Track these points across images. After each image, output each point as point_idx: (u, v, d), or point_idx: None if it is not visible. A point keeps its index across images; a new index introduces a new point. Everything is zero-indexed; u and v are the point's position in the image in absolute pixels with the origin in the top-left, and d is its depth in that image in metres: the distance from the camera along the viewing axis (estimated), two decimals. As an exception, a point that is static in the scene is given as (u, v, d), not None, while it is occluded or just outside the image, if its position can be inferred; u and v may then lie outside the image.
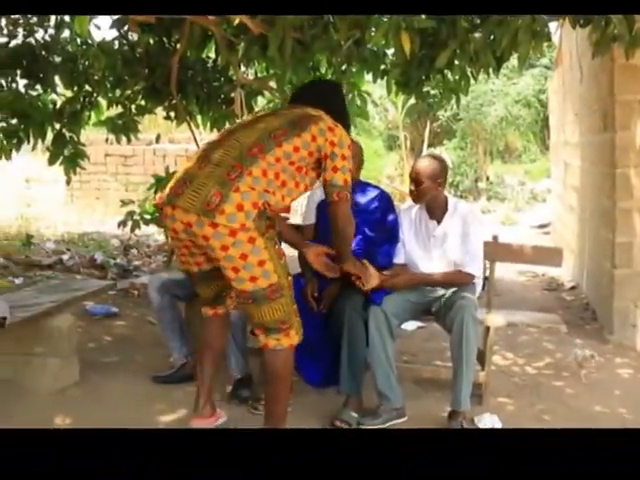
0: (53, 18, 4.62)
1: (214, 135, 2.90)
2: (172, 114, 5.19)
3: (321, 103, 2.91)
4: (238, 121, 2.93)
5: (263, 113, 2.95)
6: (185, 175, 2.63)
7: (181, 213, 2.56)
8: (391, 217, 3.58)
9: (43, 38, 4.71)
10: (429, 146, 15.82)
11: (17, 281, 6.02)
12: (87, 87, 5.01)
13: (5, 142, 5.02)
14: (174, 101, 4.95)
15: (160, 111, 5.33)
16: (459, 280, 3.39)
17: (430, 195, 3.40)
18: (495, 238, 3.74)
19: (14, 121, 4.97)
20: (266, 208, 2.56)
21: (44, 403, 3.39)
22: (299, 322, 2.80)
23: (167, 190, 2.65)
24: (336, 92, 3.18)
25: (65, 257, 7.14)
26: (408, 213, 3.56)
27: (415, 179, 3.39)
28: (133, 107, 5.21)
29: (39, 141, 5.09)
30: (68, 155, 5.21)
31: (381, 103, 15.89)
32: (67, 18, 4.59)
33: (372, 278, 3.24)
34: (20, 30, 4.63)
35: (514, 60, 4.80)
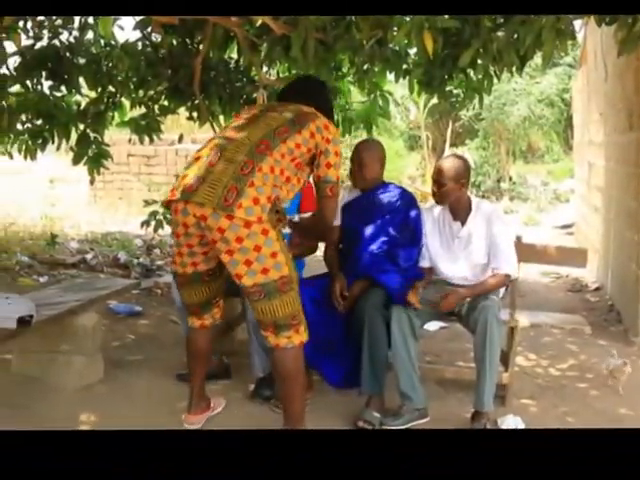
0: (77, 20, 4.66)
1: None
2: (195, 114, 5.21)
3: (310, 100, 3.00)
4: (235, 119, 2.97)
5: (259, 110, 2.98)
6: (198, 173, 2.67)
7: (195, 207, 2.62)
8: (415, 218, 3.56)
9: (68, 40, 4.75)
10: (451, 146, 15.76)
11: (42, 280, 6.10)
12: (111, 88, 5.06)
13: (30, 142, 5.08)
14: (197, 101, 4.98)
15: (183, 111, 5.36)
16: (501, 284, 3.37)
17: (453, 196, 3.37)
18: (519, 238, 3.71)
19: (39, 122, 5.03)
20: (276, 202, 2.66)
21: (69, 400, 3.43)
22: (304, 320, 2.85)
23: (180, 187, 2.69)
24: (323, 89, 3.27)
25: (89, 256, 7.21)
26: (431, 214, 3.53)
27: (438, 180, 3.37)
28: (156, 107, 5.25)
29: (63, 141, 5.14)
30: (92, 155, 5.27)
31: (402, 103, 15.85)
32: (91, 20, 4.63)
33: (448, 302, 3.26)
34: (45, 32, 4.67)
35: (537, 59, 4.77)
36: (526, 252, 3.72)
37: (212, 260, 2.82)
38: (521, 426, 3.22)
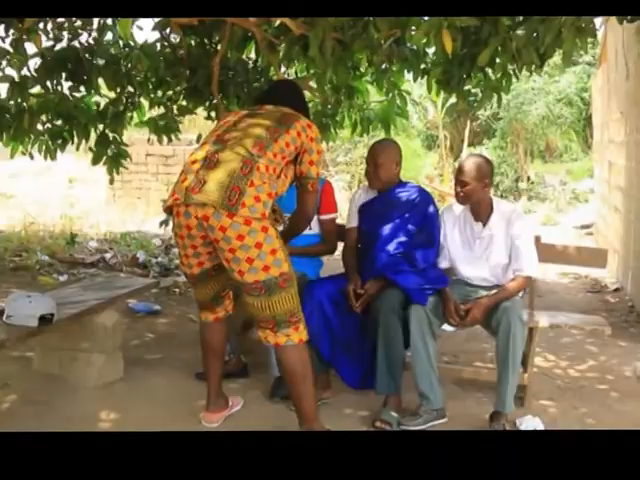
0: (96, 21, 4.69)
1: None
2: (213, 114, 5.24)
3: (287, 102, 3.11)
4: (224, 120, 3.06)
5: (247, 112, 3.08)
6: (197, 176, 2.74)
7: (197, 209, 2.70)
8: (432, 217, 3.55)
9: (87, 41, 4.79)
10: (469, 145, 15.69)
11: (62, 279, 6.16)
12: (130, 88, 5.09)
13: (50, 143, 5.13)
14: (215, 101, 5.00)
15: (201, 111, 5.39)
16: (523, 286, 3.35)
17: (477, 196, 3.34)
18: (537, 239, 3.68)
19: (59, 122, 5.08)
20: (274, 198, 2.79)
21: (89, 398, 3.45)
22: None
23: (181, 191, 2.75)
24: (298, 91, 3.36)
25: (108, 255, 7.27)
26: (451, 214, 3.51)
27: (462, 179, 3.34)
28: (174, 108, 5.28)
29: (83, 142, 5.19)
30: (111, 155, 5.32)
31: (420, 102, 15.81)
32: (110, 21, 4.67)
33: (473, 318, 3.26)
34: (65, 34, 4.72)
35: (555, 57, 4.73)
36: (545, 252, 3.69)
37: (217, 258, 2.88)
38: (540, 427, 3.20)
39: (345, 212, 3.95)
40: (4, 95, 4.72)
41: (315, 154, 2.99)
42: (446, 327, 3.39)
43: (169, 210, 2.87)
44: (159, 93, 5.19)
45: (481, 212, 3.39)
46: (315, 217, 3.74)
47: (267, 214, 2.69)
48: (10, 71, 4.57)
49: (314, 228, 3.74)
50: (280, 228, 2.97)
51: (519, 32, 3.64)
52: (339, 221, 3.94)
